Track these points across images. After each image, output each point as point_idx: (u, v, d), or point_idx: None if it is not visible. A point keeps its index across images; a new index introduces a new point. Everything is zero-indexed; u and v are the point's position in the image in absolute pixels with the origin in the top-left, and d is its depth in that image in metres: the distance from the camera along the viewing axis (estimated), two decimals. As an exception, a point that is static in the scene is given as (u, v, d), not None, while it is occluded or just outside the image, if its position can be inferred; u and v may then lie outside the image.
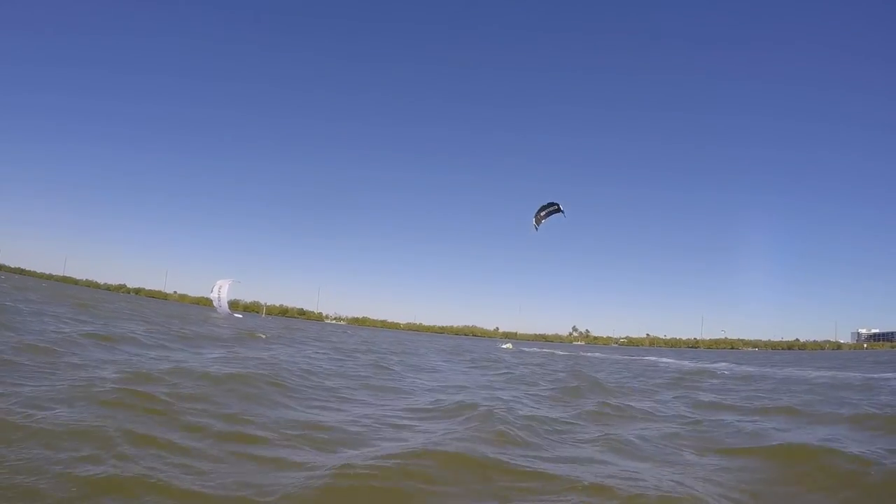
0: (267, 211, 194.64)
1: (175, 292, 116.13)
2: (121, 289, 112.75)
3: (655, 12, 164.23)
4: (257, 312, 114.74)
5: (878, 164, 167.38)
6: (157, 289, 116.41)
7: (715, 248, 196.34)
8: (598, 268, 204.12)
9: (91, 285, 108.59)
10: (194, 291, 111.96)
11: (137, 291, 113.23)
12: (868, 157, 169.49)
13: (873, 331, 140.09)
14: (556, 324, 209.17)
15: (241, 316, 71.31)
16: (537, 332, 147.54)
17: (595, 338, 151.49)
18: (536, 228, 18.37)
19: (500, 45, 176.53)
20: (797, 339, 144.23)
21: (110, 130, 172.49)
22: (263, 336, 20.60)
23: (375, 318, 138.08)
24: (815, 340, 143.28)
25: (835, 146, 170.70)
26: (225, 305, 74.16)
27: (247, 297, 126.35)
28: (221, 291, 75.49)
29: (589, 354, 39.18)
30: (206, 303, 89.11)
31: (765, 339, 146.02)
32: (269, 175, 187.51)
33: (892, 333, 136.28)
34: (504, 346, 59.21)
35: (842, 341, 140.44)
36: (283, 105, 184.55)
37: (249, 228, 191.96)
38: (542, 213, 18.20)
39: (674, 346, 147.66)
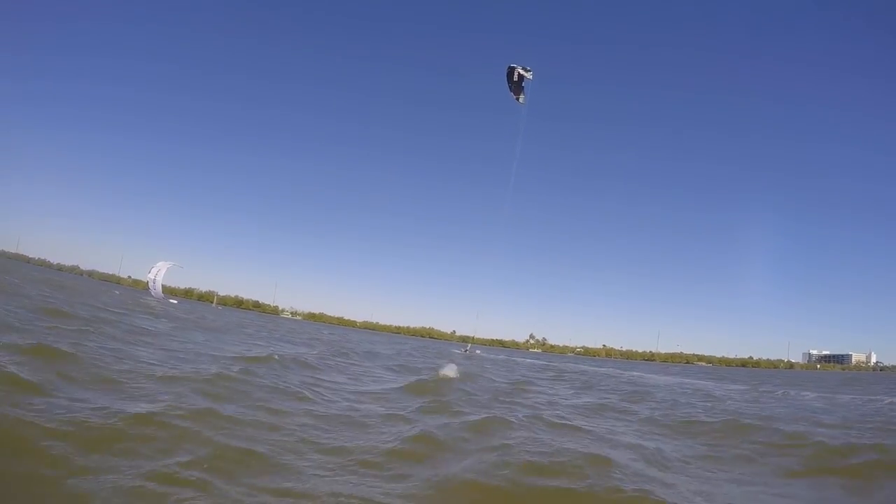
0: (229, 203, 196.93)
1: (129, 277, 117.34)
2: (73, 270, 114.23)
3: (654, 19, 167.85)
4: (210, 302, 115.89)
5: (829, 183, 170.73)
6: (111, 272, 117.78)
7: (674, 265, 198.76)
8: (558, 277, 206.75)
9: (43, 264, 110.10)
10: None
11: (90, 274, 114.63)
12: (826, 177, 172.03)
13: (824, 352, 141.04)
14: (514, 330, 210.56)
15: (176, 301, 70.73)
16: (495, 338, 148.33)
17: (552, 346, 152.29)
18: (519, 100, 16.22)
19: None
20: (751, 357, 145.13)
21: (72, 111, 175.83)
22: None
23: (332, 314, 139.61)
24: (768, 359, 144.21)
25: (789, 162, 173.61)
26: (159, 289, 74.34)
27: (202, 286, 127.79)
28: (158, 274, 75.80)
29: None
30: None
31: (719, 355, 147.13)
32: (232, 167, 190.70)
33: (842, 356, 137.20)
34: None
35: (794, 361, 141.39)
36: (247, 97, 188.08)
37: (210, 219, 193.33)
38: (516, 78, 16.01)
39: (629, 358, 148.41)
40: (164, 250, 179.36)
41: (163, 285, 77.52)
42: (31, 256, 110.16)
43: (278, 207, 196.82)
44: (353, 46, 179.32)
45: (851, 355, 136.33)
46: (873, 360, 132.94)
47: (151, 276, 75.09)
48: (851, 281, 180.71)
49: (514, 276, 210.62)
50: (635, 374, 33.40)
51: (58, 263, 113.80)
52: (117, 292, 53.26)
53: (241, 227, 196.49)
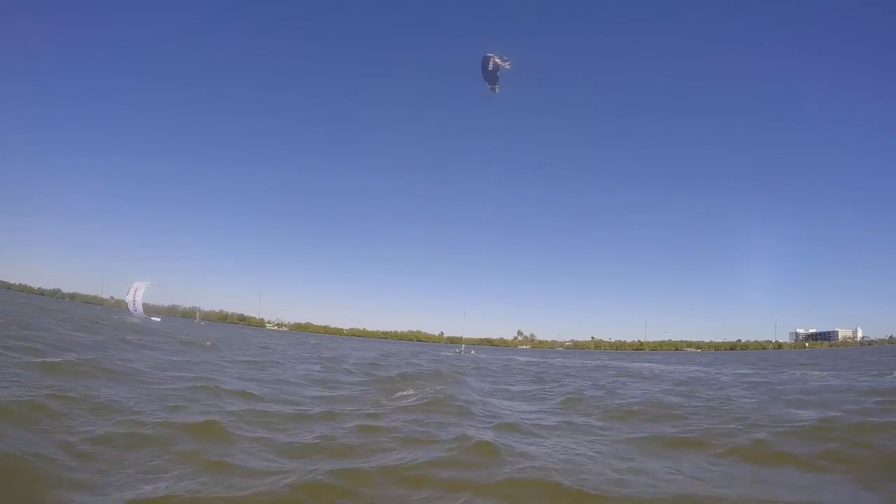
0: (208, 216, 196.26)
1: (112, 297, 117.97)
2: (55, 294, 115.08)
3: (653, 14, 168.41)
4: (193, 318, 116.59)
5: (813, 162, 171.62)
6: (93, 294, 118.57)
7: (657, 253, 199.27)
8: (544, 272, 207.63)
9: (25, 290, 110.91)
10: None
11: (73, 297, 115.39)
12: (813, 158, 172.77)
13: (811, 330, 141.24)
14: (502, 328, 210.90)
15: (159, 319, 71.19)
16: (482, 337, 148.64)
17: (540, 342, 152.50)
18: (495, 90, 16.17)
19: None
20: (739, 340, 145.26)
21: (45, 132, 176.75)
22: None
23: (318, 323, 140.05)
24: (756, 340, 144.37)
25: (768, 145, 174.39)
26: (140, 309, 74.81)
27: (186, 303, 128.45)
28: (137, 294, 76.34)
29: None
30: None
31: (707, 340, 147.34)
32: (209, 180, 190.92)
33: (828, 333, 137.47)
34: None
35: (782, 341, 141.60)
36: (224, 105, 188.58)
37: (189, 234, 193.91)
38: (491, 67, 15.84)
39: (619, 348, 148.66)
40: (144, 267, 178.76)
41: (145, 304, 78.45)
42: (11, 282, 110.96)
43: (257, 218, 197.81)
44: (323, 50, 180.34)
45: (838, 332, 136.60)
46: (860, 335, 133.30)
47: (130, 297, 75.61)
48: (832, 258, 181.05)
49: (498, 273, 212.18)
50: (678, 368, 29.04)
51: (39, 288, 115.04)
52: (115, 317, 53.53)
53: (220, 239, 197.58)
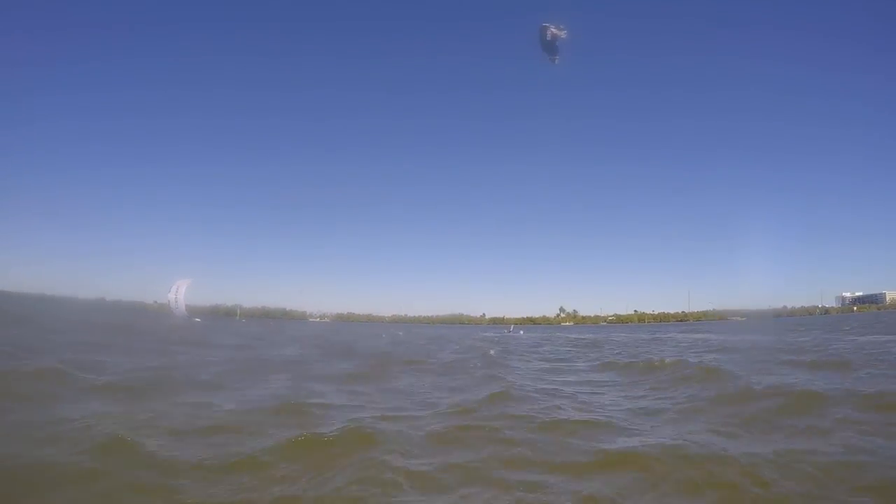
0: (247, 213, 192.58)
1: (155, 302, 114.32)
2: (99, 302, 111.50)
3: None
4: (235, 316, 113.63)
5: (843, 133, 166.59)
6: (138, 300, 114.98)
7: (699, 223, 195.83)
8: (583, 248, 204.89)
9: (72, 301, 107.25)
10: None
11: (116, 304, 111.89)
12: (839, 129, 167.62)
13: (857, 294, 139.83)
14: (544, 305, 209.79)
15: (199, 320, 67.92)
16: (525, 315, 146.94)
17: (583, 317, 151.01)
18: (555, 61, 15.71)
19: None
20: (784, 307, 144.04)
21: (73, 130, 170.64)
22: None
23: (360, 312, 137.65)
24: (802, 306, 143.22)
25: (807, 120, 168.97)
26: (182, 308, 71.22)
27: (228, 301, 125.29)
28: (179, 292, 72.62)
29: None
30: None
31: (753, 308, 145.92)
32: (247, 177, 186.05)
33: (875, 296, 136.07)
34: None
35: (828, 306, 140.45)
36: (255, 101, 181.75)
37: (230, 234, 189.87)
38: (549, 37, 15.19)
39: (662, 320, 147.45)
40: (182, 269, 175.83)
41: (187, 305, 74.64)
42: (56, 295, 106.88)
43: (293, 211, 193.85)
44: (353, 42, 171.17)
45: (885, 294, 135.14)
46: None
47: (172, 295, 72.17)
48: (875, 218, 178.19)
49: (538, 251, 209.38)
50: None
51: (82, 298, 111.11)
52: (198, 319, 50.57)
53: (258, 238, 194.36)
